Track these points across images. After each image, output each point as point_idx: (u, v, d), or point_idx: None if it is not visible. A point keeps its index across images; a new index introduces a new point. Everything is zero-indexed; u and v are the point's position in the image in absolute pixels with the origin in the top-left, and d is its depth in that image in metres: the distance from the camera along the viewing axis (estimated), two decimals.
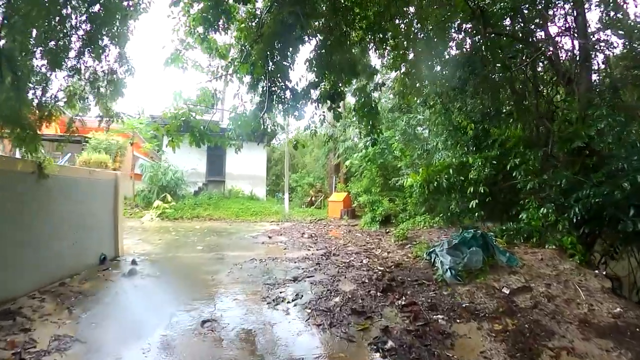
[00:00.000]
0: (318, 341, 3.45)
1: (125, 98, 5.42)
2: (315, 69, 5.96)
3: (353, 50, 6.27)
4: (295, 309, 4.17)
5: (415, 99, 10.16)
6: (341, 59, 5.70)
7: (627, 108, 6.09)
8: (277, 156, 27.04)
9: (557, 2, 6.95)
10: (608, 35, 6.69)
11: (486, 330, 3.68)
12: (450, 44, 7.66)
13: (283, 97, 6.05)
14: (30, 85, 4.27)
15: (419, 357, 3.13)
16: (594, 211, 5.06)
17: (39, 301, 4.17)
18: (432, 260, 5.96)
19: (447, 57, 7.64)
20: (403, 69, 7.13)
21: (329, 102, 5.96)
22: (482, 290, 4.71)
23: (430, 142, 10.16)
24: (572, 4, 6.61)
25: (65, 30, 4.37)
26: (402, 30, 6.50)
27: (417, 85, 8.11)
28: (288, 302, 4.35)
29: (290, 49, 5.40)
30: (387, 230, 10.51)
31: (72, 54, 4.56)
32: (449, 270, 5.18)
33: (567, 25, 6.93)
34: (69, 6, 4.21)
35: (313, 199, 19.04)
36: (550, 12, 7.03)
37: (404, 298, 4.71)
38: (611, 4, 6.56)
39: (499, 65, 6.71)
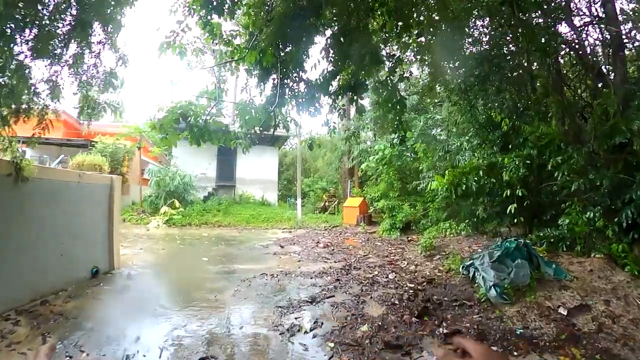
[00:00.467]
0: None
1: (119, 91, 4.83)
2: (332, 58, 5.25)
3: (374, 37, 5.53)
4: (315, 342, 3.37)
5: (437, 95, 9.53)
6: (361, 47, 4.97)
7: None
8: (288, 160, 26.48)
9: None
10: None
11: None
12: (475, 33, 7.01)
13: (297, 90, 5.37)
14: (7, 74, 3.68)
15: None
16: None
17: (12, 324, 3.61)
18: (471, 275, 5.19)
19: (470, 49, 7.01)
20: (426, 60, 6.40)
21: (349, 93, 5.23)
22: (533, 310, 4.04)
23: (453, 143, 9.47)
24: None
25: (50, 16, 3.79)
26: (425, 15, 5.71)
27: (440, 78, 7.42)
28: (305, 332, 3.55)
29: (305, 33, 4.68)
30: (409, 238, 9.66)
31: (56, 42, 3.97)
32: (493, 287, 4.49)
33: (595, 15, 6.37)
34: None
35: (326, 204, 18.27)
36: (573, 4, 6.56)
37: (444, 324, 3.96)
38: None
39: (536, 50, 5.88)
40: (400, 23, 5.32)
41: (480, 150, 7.85)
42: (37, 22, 3.70)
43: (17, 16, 3.49)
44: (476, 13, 6.58)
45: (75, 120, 17.89)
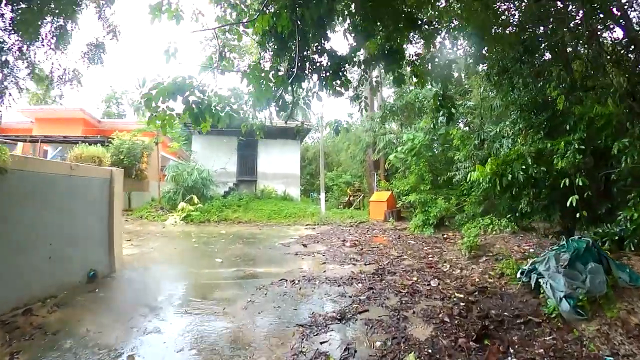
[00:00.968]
0: None
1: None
2: (361, 22, 4.34)
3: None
4: None
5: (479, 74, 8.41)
6: (394, 8, 4.04)
7: None
8: (310, 155, 25.69)
9: None
10: None
11: None
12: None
13: (318, 63, 4.51)
14: None
15: None
16: None
17: None
18: (533, 282, 4.27)
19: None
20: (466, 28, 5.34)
21: (383, 63, 4.29)
22: (618, 329, 3.24)
23: (489, 130, 8.44)
24: None
25: None
26: None
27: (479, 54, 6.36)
28: None
29: None
30: (445, 236, 8.62)
31: None
32: (564, 299, 3.61)
33: None
34: None
35: (351, 198, 17.33)
36: None
37: (511, 351, 3.04)
38: None
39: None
40: None
41: (522, 136, 7.01)
42: None
43: None
44: None
45: (94, 119, 17.90)
